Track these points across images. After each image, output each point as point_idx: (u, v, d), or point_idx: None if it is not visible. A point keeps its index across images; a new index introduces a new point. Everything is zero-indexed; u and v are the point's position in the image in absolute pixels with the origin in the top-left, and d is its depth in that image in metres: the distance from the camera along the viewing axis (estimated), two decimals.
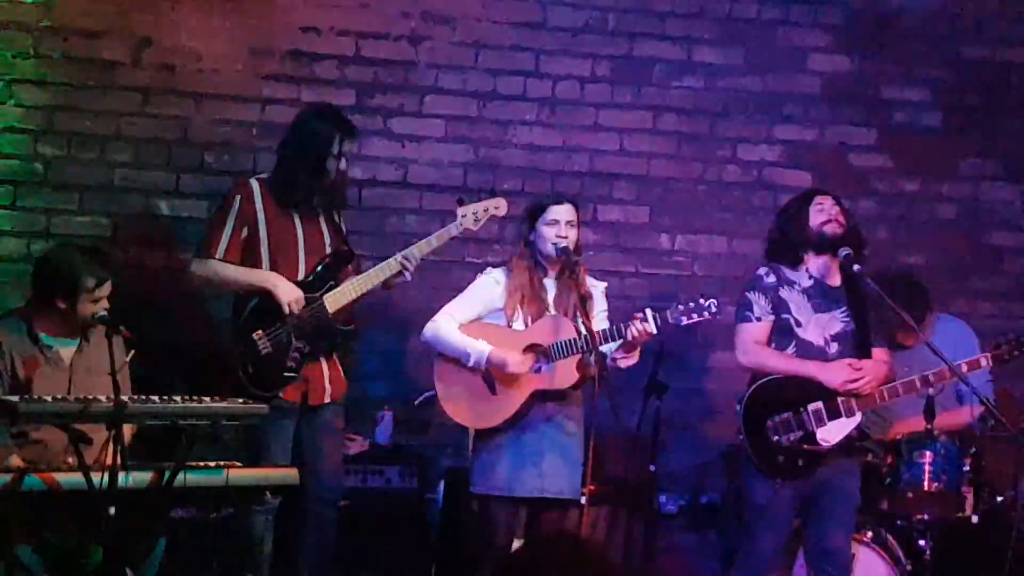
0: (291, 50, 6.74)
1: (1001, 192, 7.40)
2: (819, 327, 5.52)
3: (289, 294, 5.53)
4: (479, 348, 5.43)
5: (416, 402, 6.56)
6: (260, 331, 5.55)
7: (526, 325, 5.47)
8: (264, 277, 5.58)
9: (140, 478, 4.63)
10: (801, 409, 5.41)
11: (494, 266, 5.72)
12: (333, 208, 5.78)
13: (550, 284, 5.54)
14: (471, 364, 5.43)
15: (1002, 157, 7.39)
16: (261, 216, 5.62)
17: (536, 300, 5.49)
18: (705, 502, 6.96)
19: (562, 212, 5.50)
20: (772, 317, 5.56)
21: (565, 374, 5.39)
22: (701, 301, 5.29)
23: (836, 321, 5.54)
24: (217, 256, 5.59)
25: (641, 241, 7.13)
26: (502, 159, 6.97)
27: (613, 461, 6.42)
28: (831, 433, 5.40)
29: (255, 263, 5.63)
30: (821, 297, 5.57)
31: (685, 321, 5.29)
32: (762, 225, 6.84)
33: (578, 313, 5.35)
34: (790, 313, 5.54)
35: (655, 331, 5.27)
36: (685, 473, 6.91)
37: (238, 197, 5.66)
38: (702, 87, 7.13)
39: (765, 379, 5.50)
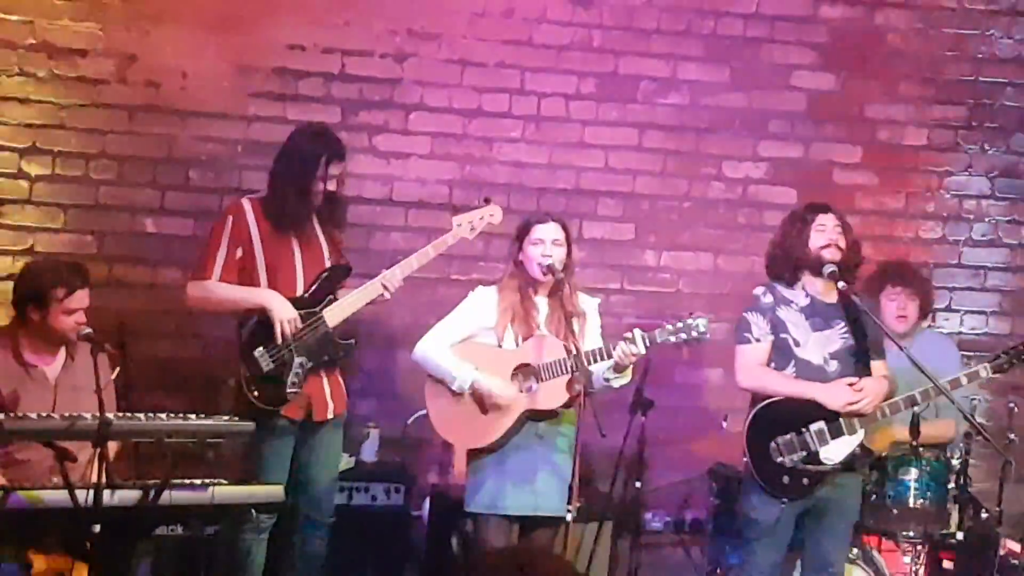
0: (276, 68, 6.75)
1: (985, 209, 7.42)
2: (818, 345, 5.52)
3: (282, 313, 5.52)
4: (464, 373, 5.42)
5: (409, 421, 6.58)
6: (261, 348, 5.55)
7: (517, 345, 5.46)
8: (259, 295, 5.57)
9: (125, 496, 4.61)
10: (804, 429, 5.42)
11: (481, 283, 5.70)
12: (331, 225, 5.77)
13: (541, 303, 5.53)
14: (455, 388, 5.44)
15: (986, 175, 7.41)
16: (255, 235, 5.61)
17: (527, 319, 5.48)
18: (690, 519, 6.97)
19: (547, 231, 5.50)
20: (771, 337, 5.55)
21: (554, 394, 5.40)
22: (690, 322, 5.30)
23: (835, 338, 5.54)
24: (213, 278, 5.58)
25: (626, 258, 7.14)
26: (487, 176, 6.97)
27: (599, 477, 6.51)
28: (834, 452, 5.41)
29: (252, 282, 5.61)
30: (818, 315, 5.55)
31: (673, 341, 5.31)
32: (748, 242, 7.10)
33: (568, 332, 5.34)
34: (788, 333, 5.53)
35: (643, 351, 5.28)
36: (670, 490, 6.91)
37: (230, 218, 5.64)
38: (687, 104, 7.14)
39: (767, 400, 5.50)
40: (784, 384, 5.49)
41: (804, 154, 7.27)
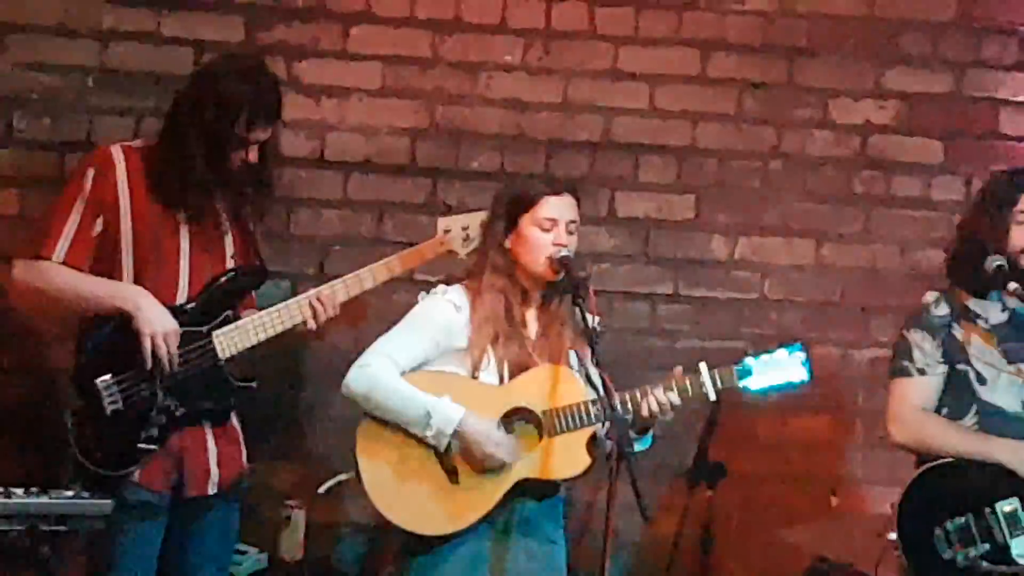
0: None
1: None
2: (1014, 385, 5.57)
3: (156, 322, 5.44)
4: (445, 410, 5.34)
5: (322, 489, 6.56)
6: (109, 376, 5.47)
7: (501, 378, 5.44)
8: (123, 292, 5.50)
9: None
10: (988, 510, 5.44)
11: (447, 283, 5.65)
12: (244, 210, 5.75)
13: (530, 316, 5.55)
14: (429, 434, 5.34)
15: None
16: (125, 202, 5.54)
17: (515, 339, 5.48)
18: None
19: (562, 207, 5.46)
20: (944, 367, 5.59)
21: (569, 457, 5.37)
22: (783, 355, 5.36)
23: None
24: (55, 257, 5.50)
25: (684, 247, 7.15)
26: (470, 122, 6.99)
27: None
28: None
29: (111, 273, 5.55)
30: (1020, 339, 5.59)
31: (760, 384, 5.37)
32: (869, 222, 7.24)
33: (581, 360, 5.39)
34: (969, 364, 5.58)
35: (713, 396, 5.36)
36: None
37: (90, 172, 5.55)
38: (775, 10, 7.16)
39: (933, 464, 5.51)
40: (959, 439, 5.55)
41: (954, 87, 7.26)
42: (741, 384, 5.35)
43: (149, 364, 5.43)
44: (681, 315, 7.10)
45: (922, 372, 5.60)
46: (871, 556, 5.78)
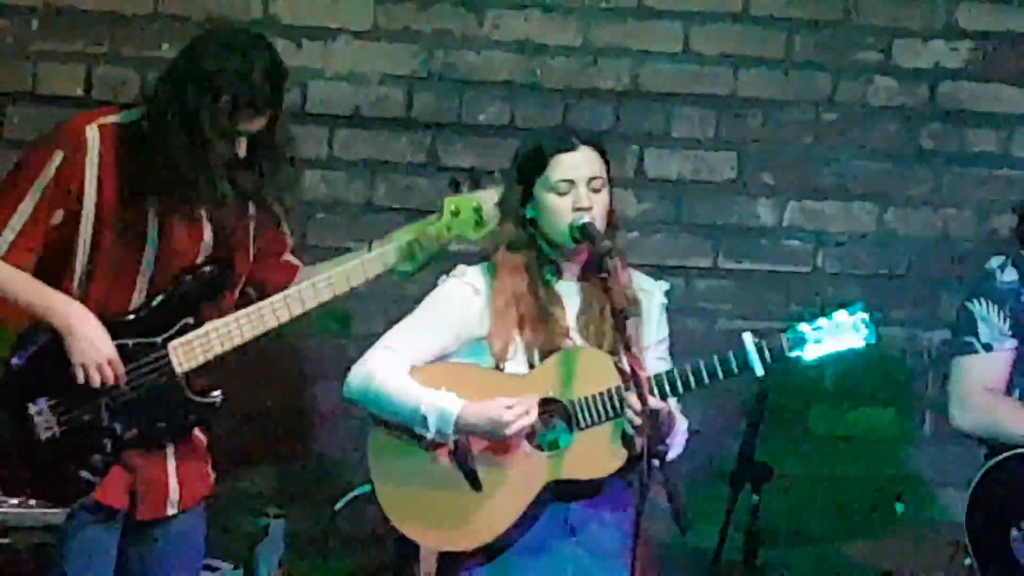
0: None
1: None
2: None
3: (89, 350, 5.22)
4: (442, 404, 5.14)
5: (338, 506, 6.51)
6: (44, 399, 5.27)
7: (531, 367, 5.25)
8: (56, 308, 5.24)
9: None
10: None
11: (468, 262, 5.43)
12: (249, 191, 5.42)
13: (569, 291, 5.30)
14: (431, 433, 5.14)
15: None
16: (91, 193, 5.26)
17: (545, 321, 5.26)
18: None
19: (577, 165, 5.20)
20: (1014, 341, 5.49)
21: (601, 452, 5.15)
22: (837, 318, 5.10)
23: None
24: None
25: (724, 212, 6.96)
26: (475, 70, 6.81)
27: None
28: None
29: (60, 270, 5.28)
30: None
31: (815, 351, 5.10)
32: (940, 182, 7.07)
33: (617, 342, 5.09)
34: None
35: (761, 371, 5.11)
36: None
37: (58, 156, 5.22)
38: None
39: (1008, 454, 5.40)
40: None
41: None
42: (793, 354, 5.09)
43: (82, 393, 5.23)
44: (721, 291, 6.96)
45: (988, 348, 5.49)
46: (944, 570, 5.77)
